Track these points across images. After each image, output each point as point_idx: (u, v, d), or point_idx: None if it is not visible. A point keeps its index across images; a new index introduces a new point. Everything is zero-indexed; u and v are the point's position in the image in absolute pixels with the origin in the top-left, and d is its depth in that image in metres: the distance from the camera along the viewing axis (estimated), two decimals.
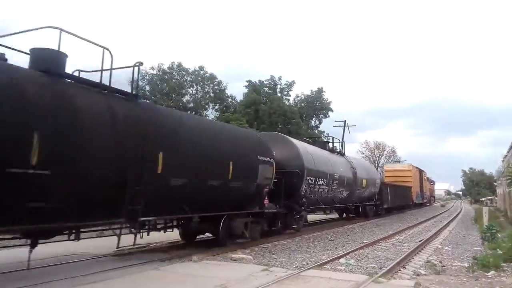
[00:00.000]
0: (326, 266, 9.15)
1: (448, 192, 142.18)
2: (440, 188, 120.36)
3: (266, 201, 12.13)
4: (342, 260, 9.96)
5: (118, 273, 7.47)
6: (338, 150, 22.10)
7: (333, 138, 22.39)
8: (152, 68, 42.96)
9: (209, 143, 9.93)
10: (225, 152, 10.44)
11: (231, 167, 10.34)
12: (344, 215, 23.37)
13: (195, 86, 45.44)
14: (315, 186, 15.86)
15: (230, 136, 11.53)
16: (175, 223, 10.62)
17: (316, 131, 47.54)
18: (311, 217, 20.07)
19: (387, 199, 27.61)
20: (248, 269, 8.31)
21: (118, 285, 6.72)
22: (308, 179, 15.11)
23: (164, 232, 10.05)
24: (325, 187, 16.92)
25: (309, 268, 8.62)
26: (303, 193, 14.86)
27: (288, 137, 16.43)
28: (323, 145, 20.38)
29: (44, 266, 7.98)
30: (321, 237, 14.91)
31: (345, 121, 43.68)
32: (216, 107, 45.71)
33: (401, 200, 32.77)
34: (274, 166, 12.58)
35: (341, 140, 23.64)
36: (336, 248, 12.27)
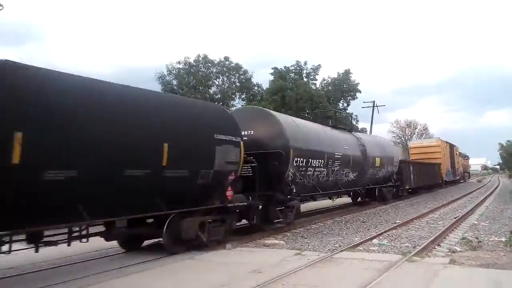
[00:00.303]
0: (359, 248, 9.22)
1: (485, 167, 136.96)
2: (476, 163, 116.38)
3: (229, 193, 9.68)
4: (375, 241, 9.99)
5: (155, 264, 7.81)
6: (355, 127, 20.41)
7: (335, 111, 19.50)
8: (178, 62, 43.66)
9: (126, 117, 7.27)
10: (155, 130, 7.75)
11: (165, 150, 7.74)
12: (360, 199, 20.51)
13: (221, 77, 45.81)
14: (307, 169, 12.98)
15: (166, 108, 8.49)
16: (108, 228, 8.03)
17: (344, 114, 47.01)
18: (312, 205, 17.84)
19: (409, 179, 24.63)
20: (281, 254, 8.50)
21: (156, 275, 7.03)
22: (297, 161, 12.25)
23: (68, 245, 7.15)
24: (322, 169, 14.00)
25: (341, 251, 8.74)
26: (290, 178, 12.06)
27: (270, 111, 13.69)
28: (325, 120, 18.11)
29: (85, 260, 8.41)
30: (353, 219, 14.92)
31: (374, 102, 43.08)
32: (243, 96, 45.93)
33: (428, 178, 29.52)
34: (241, 146, 9.97)
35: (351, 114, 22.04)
36: (368, 229, 12.28)
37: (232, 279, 6.46)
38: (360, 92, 46.98)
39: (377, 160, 19.15)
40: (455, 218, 13.96)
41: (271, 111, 13.75)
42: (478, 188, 36.33)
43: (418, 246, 8.99)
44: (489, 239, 10.25)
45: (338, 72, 47.61)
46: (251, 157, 10.99)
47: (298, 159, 12.37)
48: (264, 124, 12.15)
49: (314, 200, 16.11)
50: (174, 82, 43.35)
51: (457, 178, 43.92)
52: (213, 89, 45.13)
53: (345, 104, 47.84)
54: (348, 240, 10.32)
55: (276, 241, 10.20)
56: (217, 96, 44.30)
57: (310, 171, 13.25)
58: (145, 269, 7.35)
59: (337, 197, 18.72)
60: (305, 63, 45.90)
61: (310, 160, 13.08)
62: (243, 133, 10.93)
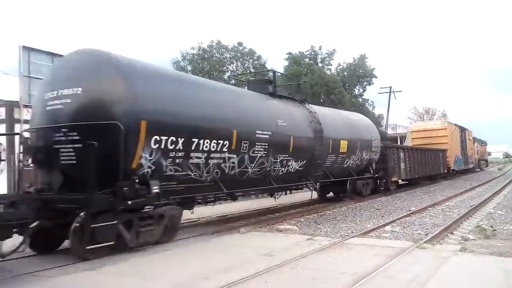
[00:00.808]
0: (370, 234, 9.28)
1: (507, 155, 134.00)
2: (497, 150, 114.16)
3: None
4: (387, 228, 10.02)
5: (171, 245, 8.07)
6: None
7: (274, 72, 13.37)
8: (192, 48, 43.77)
9: None
10: None
11: None
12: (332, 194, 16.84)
13: (235, 63, 45.76)
14: (190, 154, 8.40)
15: None
16: None
17: (360, 99, 46.60)
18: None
19: (398, 169, 20.10)
20: (293, 239, 8.65)
21: (172, 255, 7.30)
22: (160, 141, 7.69)
23: None
24: (229, 155, 9.38)
25: (353, 237, 8.82)
26: (147, 170, 7.59)
27: (111, 53, 7.98)
28: (262, 86, 12.64)
29: None
30: (367, 206, 14.89)
31: (390, 87, 42.56)
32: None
33: (429, 168, 24.85)
34: None
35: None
36: (382, 216, 12.27)
37: (243, 262, 6.63)
38: (376, 77, 46.49)
39: (343, 143, 14.68)
40: (470, 206, 13.85)
41: (114, 54, 8.03)
42: (498, 177, 35.62)
43: (430, 234, 8.99)
44: (504, 227, 10.15)
45: (354, 57, 47.17)
46: (75, 133, 7.14)
47: (165, 138, 7.77)
48: (98, 77, 7.41)
49: (234, 199, 11.43)
50: (189, 67, 43.53)
51: (470, 166, 39.01)
52: (227, 75, 45.16)
53: (361, 90, 47.46)
54: (361, 226, 10.38)
55: (289, 226, 10.33)
56: (231, 82, 44.38)
57: (199, 158, 8.62)
58: (162, 250, 7.61)
59: (286, 193, 14.22)
60: (320, 48, 45.69)
61: (196, 140, 8.41)
62: (64, 92, 7.31)
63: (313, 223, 11.06)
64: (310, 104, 14.17)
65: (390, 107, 41.07)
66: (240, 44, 45.13)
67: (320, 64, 44.87)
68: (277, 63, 73.17)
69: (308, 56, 45.24)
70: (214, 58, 44.23)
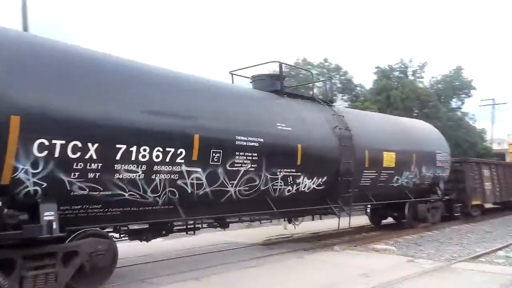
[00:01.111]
0: (481, 259, 8.49)
1: None
2: None
3: None
4: (500, 253, 9.08)
5: (268, 260, 8.24)
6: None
7: (281, 64, 9.71)
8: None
9: None
10: None
11: None
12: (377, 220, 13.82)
13: (321, 78, 45.72)
14: (115, 166, 5.92)
15: None
16: None
17: (459, 113, 43.41)
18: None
19: (482, 190, 15.98)
20: (391, 260, 8.25)
21: (266, 270, 7.43)
22: (49, 146, 5.27)
23: None
24: (188, 169, 6.72)
25: (460, 261, 8.13)
26: (27, 190, 5.22)
27: None
28: (267, 82, 9.82)
29: (215, 251, 9.46)
30: (475, 228, 13.59)
31: (493, 99, 38.91)
32: (345, 97, 45.18)
33: None
34: None
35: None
36: (494, 240, 11.12)
37: (340, 280, 6.50)
38: (475, 89, 43.13)
39: (387, 156, 11.25)
40: None
41: None
42: None
43: None
44: None
45: (450, 70, 44.38)
46: None
47: (61, 142, 5.35)
48: None
49: (223, 227, 8.87)
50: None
51: None
52: (314, 91, 45.24)
53: (459, 103, 44.25)
54: (469, 250, 9.52)
55: (387, 247, 9.87)
56: (319, 97, 44.33)
57: (133, 172, 6.09)
58: (258, 264, 7.83)
59: (313, 218, 11.32)
60: (410, 61, 43.77)
61: (124, 147, 5.92)
62: None
63: (413, 244, 10.41)
64: (337, 106, 11.78)
65: (495, 120, 37.38)
66: (325, 60, 45.07)
67: (411, 77, 42.86)
68: (365, 78, 71.32)
69: (397, 69, 43.59)
70: (300, 75, 44.73)
